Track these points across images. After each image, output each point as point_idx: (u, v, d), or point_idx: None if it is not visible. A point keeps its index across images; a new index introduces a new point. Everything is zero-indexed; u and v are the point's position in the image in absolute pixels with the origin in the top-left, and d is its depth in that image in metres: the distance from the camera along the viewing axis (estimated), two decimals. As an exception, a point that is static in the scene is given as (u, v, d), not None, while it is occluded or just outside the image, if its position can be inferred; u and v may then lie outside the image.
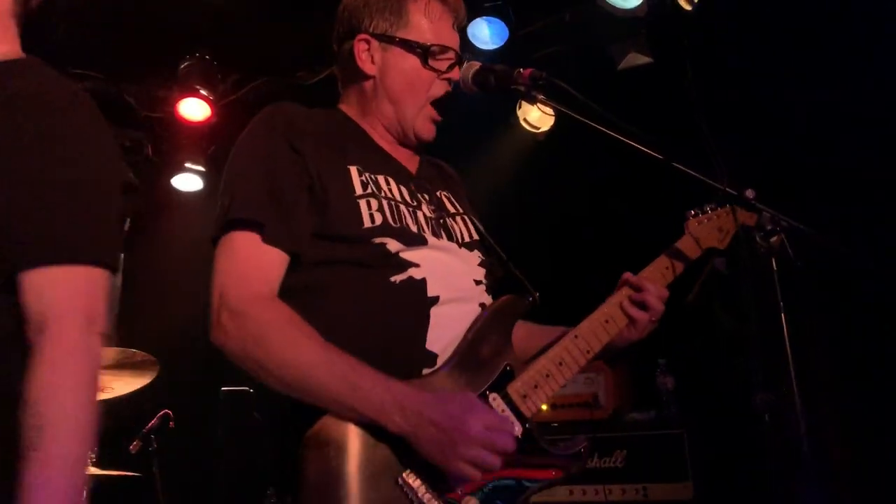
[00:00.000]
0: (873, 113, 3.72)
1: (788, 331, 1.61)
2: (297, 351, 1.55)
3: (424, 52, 1.84)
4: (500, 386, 1.69)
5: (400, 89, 1.87)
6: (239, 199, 1.68)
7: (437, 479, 1.55)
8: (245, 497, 4.46)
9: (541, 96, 1.71)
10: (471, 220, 1.96)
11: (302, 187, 1.68)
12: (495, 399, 1.67)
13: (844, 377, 3.56)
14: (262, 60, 5.28)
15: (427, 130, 1.91)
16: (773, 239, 1.66)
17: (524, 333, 1.95)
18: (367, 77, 1.90)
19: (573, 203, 4.98)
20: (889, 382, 3.54)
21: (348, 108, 1.97)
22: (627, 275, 1.91)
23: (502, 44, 4.36)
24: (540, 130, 4.94)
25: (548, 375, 1.74)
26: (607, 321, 1.84)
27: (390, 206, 1.75)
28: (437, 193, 1.95)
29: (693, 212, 2.03)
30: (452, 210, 1.94)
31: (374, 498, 1.50)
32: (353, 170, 1.76)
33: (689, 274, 3.59)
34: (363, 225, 1.69)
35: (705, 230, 2.01)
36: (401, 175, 1.87)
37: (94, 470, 3.88)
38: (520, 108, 4.94)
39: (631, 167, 4.17)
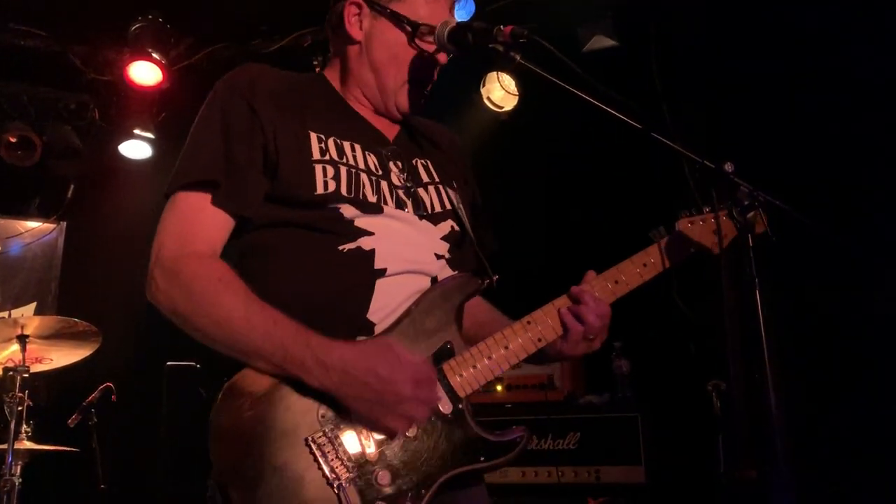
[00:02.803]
0: (831, 88, 3.76)
1: (762, 309, 1.57)
2: (220, 305, 1.53)
3: (413, 29, 1.81)
4: (436, 361, 1.65)
5: (382, 60, 1.84)
6: (190, 160, 1.68)
7: (350, 443, 1.52)
8: (188, 474, 4.33)
9: (518, 57, 1.63)
10: (446, 190, 1.89)
11: (256, 149, 1.67)
12: None
13: (809, 358, 3.61)
14: (217, 25, 5.09)
15: (409, 104, 1.87)
16: (750, 214, 1.62)
17: (486, 318, 1.93)
18: (352, 42, 1.87)
19: (537, 183, 4.95)
20: (854, 364, 3.60)
21: (331, 73, 1.94)
22: (587, 276, 1.85)
23: (468, 19, 4.29)
24: (503, 110, 4.89)
25: (490, 358, 1.70)
26: (554, 317, 1.77)
27: (349, 173, 1.72)
28: (413, 161, 1.89)
29: (687, 211, 1.90)
30: (426, 179, 1.88)
31: (279, 456, 1.47)
32: (314, 136, 1.73)
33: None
34: (316, 190, 1.66)
35: (698, 231, 1.87)
36: (372, 142, 1.83)
37: (28, 444, 3.73)
38: (483, 86, 4.88)
39: (601, 147, 4.18)
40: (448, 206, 1.86)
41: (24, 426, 3.71)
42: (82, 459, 4.09)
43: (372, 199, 1.72)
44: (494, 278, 1.79)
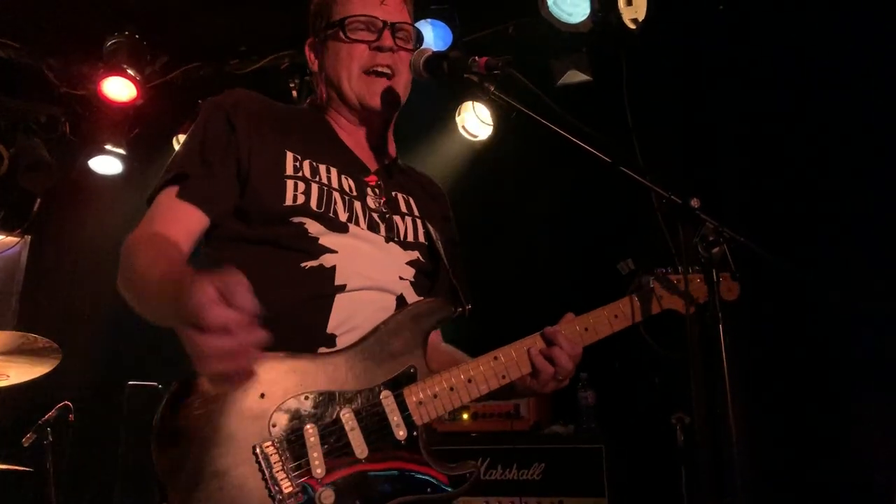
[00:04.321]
0: (805, 123, 3.85)
1: (725, 343, 1.60)
2: (148, 266, 1.53)
3: (341, 27, 1.88)
4: (397, 385, 1.64)
5: (332, 67, 1.92)
6: (170, 164, 1.76)
7: (298, 456, 1.50)
8: (147, 496, 4.24)
9: (493, 88, 1.66)
10: (424, 224, 1.93)
11: (230, 158, 1.73)
12: (387, 397, 1.62)
13: (772, 391, 3.65)
14: (194, 44, 5.10)
15: (367, 96, 1.88)
16: (715, 250, 1.65)
17: (446, 358, 1.93)
18: (316, 75, 2.00)
19: (510, 211, 4.99)
20: (818, 396, 3.64)
21: (323, 109, 2.01)
22: (566, 317, 1.86)
23: (445, 48, 4.33)
24: (478, 139, 4.94)
25: (451, 389, 1.69)
26: (522, 356, 1.78)
27: (320, 190, 1.75)
28: (394, 193, 1.93)
29: (663, 270, 1.97)
30: (404, 210, 1.92)
31: (223, 461, 1.44)
32: (290, 154, 1.78)
33: (617, 289, 3.64)
34: (284, 202, 1.70)
35: (669, 291, 1.95)
36: (351, 168, 1.87)
37: (-23, 463, 3.63)
38: (459, 115, 4.92)
39: (572, 178, 4.23)
40: (422, 240, 1.90)
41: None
42: (36, 480, 3.98)
43: (343, 216, 1.75)
44: (468, 307, 1.80)
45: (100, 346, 4.81)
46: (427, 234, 1.92)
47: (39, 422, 4.01)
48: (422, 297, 1.82)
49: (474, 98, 4.77)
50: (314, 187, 1.75)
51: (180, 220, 1.68)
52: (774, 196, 3.82)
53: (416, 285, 1.84)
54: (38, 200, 5.53)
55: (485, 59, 1.66)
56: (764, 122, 4.02)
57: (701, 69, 4.24)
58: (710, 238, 1.66)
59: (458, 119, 4.93)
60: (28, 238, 5.77)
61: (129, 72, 4.88)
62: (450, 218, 2.11)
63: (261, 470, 1.46)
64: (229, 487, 1.44)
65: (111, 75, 4.88)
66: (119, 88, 4.94)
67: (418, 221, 1.93)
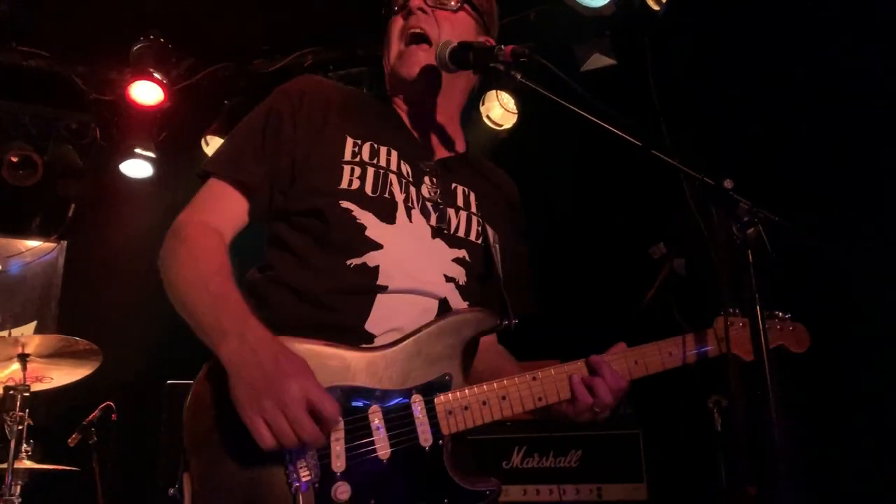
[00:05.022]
0: (830, 101, 3.78)
1: (763, 325, 1.58)
2: (193, 268, 1.59)
3: (387, 4, 1.90)
4: (429, 391, 1.61)
5: (384, 51, 1.92)
6: (222, 150, 1.81)
7: (321, 450, 1.50)
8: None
9: (520, 77, 1.65)
10: (480, 223, 1.88)
11: (286, 147, 1.74)
12: (418, 402, 1.59)
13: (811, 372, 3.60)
14: (218, 46, 5.15)
15: (400, 65, 1.87)
16: (750, 231, 1.63)
17: (498, 366, 1.88)
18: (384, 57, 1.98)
19: (536, 201, 4.96)
20: (855, 380, 3.59)
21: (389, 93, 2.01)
22: (616, 347, 1.80)
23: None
24: (503, 128, 4.92)
25: (484, 403, 1.64)
26: (562, 381, 1.72)
27: (376, 173, 1.75)
28: (453, 185, 1.89)
29: (732, 310, 1.89)
30: (461, 204, 1.87)
31: (248, 440, 1.43)
32: (350, 140, 1.78)
33: (649, 274, 3.61)
34: (339, 185, 1.71)
35: (739, 335, 1.87)
36: (411, 153, 1.85)
37: (28, 464, 3.72)
38: (483, 104, 4.91)
39: (599, 165, 4.20)
40: (474, 238, 1.84)
41: (25, 445, 3.70)
42: (82, 479, 4.07)
43: (399, 197, 1.74)
44: (514, 322, 1.75)
45: (138, 347, 4.89)
46: (483, 234, 1.86)
47: (84, 422, 4.11)
48: (467, 304, 1.78)
49: (499, 87, 4.75)
50: (370, 171, 1.74)
51: (227, 211, 1.72)
52: (807, 178, 3.76)
53: (463, 289, 1.79)
54: (73, 206, 5.65)
55: (511, 47, 1.65)
56: (793, 103, 3.95)
57: (724, 48, 4.18)
58: (745, 219, 1.63)
59: (482, 109, 4.91)
60: (64, 243, 5.89)
61: (156, 75, 4.94)
62: (517, 222, 2.03)
63: (283, 455, 1.46)
64: (250, 467, 1.46)
65: (138, 79, 4.94)
66: (147, 92, 5.00)
67: (474, 218, 1.87)
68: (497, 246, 1.87)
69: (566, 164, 4.75)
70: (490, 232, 1.87)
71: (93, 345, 3.86)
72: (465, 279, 1.80)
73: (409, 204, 1.76)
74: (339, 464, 1.50)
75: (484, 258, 1.84)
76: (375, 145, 1.79)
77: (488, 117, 4.94)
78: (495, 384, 1.66)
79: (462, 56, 1.72)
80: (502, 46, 1.66)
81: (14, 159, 5.30)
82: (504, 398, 1.66)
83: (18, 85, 5.27)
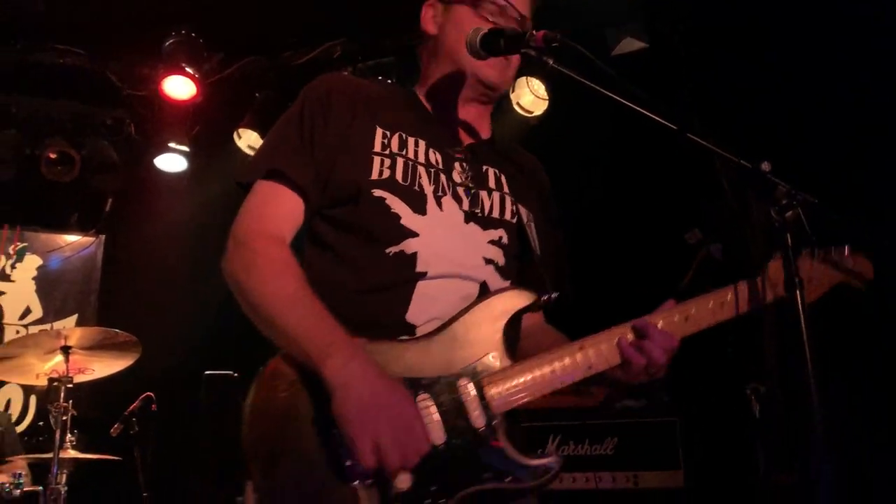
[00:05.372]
0: (868, 82, 3.70)
1: (803, 309, 1.55)
2: (274, 284, 1.59)
3: (474, 2, 1.86)
4: (476, 373, 1.60)
5: (454, 41, 1.86)
6: (266, 151, 1.82)
7: None
8: (227, 483, 4.39)
9: (552, 62, 1.63)
10: (514, 204, 1.87)
11: (324, 143, 1.75)
12: (466, 385, 1.58)
13: (850, 358, 3.54)
14: (247, 39, 5.19)
15: (491, 76, 1.86)
16: (788, 214, 1.60)
17: (542, 337, 1.86)
18: (429, 39, 1.95)
19: (568, 188, 4.93)
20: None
21: (418, 85, 1.99)
22: (665, 305, 1.75)
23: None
24: (533, 115, 4.89)
25: (533, 378, 1.62)
26: (611, 347, 1.67)
27: (405, 164, 1.76)
28: (484, 168, 1.89)
29: (810, 249, 1.78)
30: (493, 186, 1.87)
31: (305, 441, 1.47)
32: (379, 131, 1.79)
33: (684, 259, 3.56)
34: (370, 176, 1.72)
35: (821, 267, 1.79)
36: (440, 141, 1.84)
37: (73, 453, 3.81)
38: (513, 91, 4.87)
39: (631, 150, 4.16)
40: (508, 218, 1.84)
41: (69, 436, 3.78)
42: (125, 468, 4.16)
43: (428, 188, 1.74)
44: (553, 296, 1.72)
45: (176, 338, 4.97)
46: (516, 213, 1.86)
47: (125, 413, 4.19)
48: (507, 284, 1.77)
49: (530, 73, 4.71)
50: (399, 161, 1.75)
51: (285, 213, 1.72)
52: (843, 162, 3.68)
53: (502, 269, 1.79)
54: (110, 200, 5.75)
55: (542, 32, 1.63)
56: (829, 81, 3.87)
57: (757, 30, 4.10)
58: (783, 202, 1.60)
59: (511, 96, 4.88)
60: (102, 237, 6.00)
61: (188, 70, 5.00)
62: (548, 208, 2.01)
63: (340, 451, 1.47)
64: (309, 466, 1.47)
65: (171, 74, 5.01)
66: (179, 87, 5.07)
67: (507, 199, 1.86)
68: (532, 224, 1.86)
69: (598, 150, 4.71)
70: (523, 211, 1.86)
71: (132, 336, 3.93)
72: (503, 260, 1.79)
73: (440, 193, 1.75)
74: None
75: (519, 237, 1.84)
76: (404, 136, 1.80)
77: (518, 104, 4.91)
78: (543, 358, 1.64)
79: (493, 42, 1.70)
80: (533, 32, 1.64)
81: (52, 155, 5.40)
82: (553, 372, 1.63)
83: (54, 82, 5.38)
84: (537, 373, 1.63)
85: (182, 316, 5.17)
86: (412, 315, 1.65)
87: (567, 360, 1.65)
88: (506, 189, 1.88)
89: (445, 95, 1.90)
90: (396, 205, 1.71)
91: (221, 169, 5.46)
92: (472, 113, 1.93)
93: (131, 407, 4.24)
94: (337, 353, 1.49)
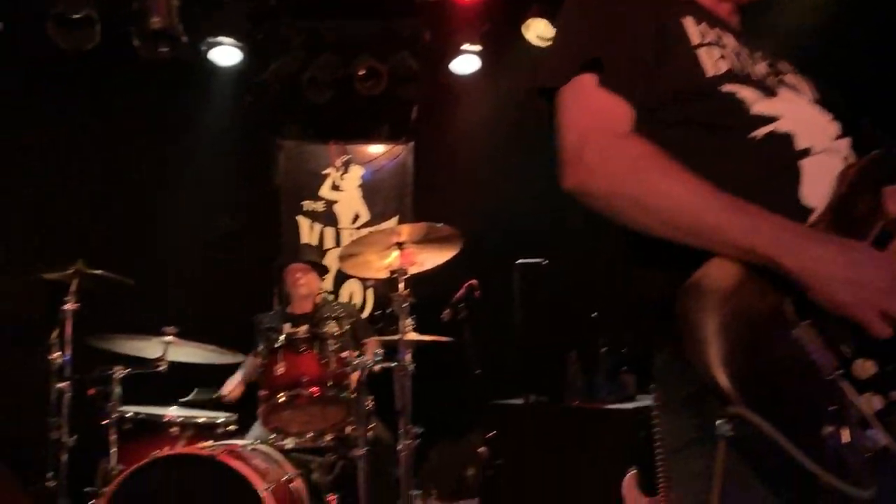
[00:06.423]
0: None
1: None
2: (673, 181, 1.39)
3: None
4: (880, 246, 1.41)
5: None
6: (569, 42, 1.59)
7: (838, 335, 1.34)
8: (543, 350, 4.71)
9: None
10: (807, 80, 1.72)
11: (637, 33, 1.53)
12: None
13: None
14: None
15: None
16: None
17: None
18: None
19: None
20: None
21: None
22: None
23: None
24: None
25: None
26: None
27: (727, 54, 1.59)
28: (763, 55, 1.72)
29: None
30: (787, 69, 1.71)
31: (767, 350, 1.32)
32: (688, 20, 1.59)
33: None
34: (706, 74, 1.53)
35: None
36: (729, 29, 1.69)
37: (413, 336, 4.29)
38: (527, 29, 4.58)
39: None
40: (817, 96, 1.70)
41: (409, 321, 4.26)
42: (455, 347, 4.61)
43: (756, 74, 1.60)
44: None
45: (487, 230, 5.31)
46: (819, 88, 1.71)
47: (453, 300, 4.61)
48: (864, 154, 1.57)
49: None
50: (728, 52, 1.58)
51: (618, 118, 1.49)
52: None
53: (851, 144, 1.62)
54: (415, 108, 6.18)
55: None
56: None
57: None
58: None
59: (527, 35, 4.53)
60: (412, 144, 6.51)
61: (474, -31, 5.10)
62: None
63: (806, 352, 1.33)
64: (779, 373, 1.33)
65: (458, -24, 5.15)
66: (465, -13, 5.20)
67: (802, 78, 1.71)
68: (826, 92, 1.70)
69: None
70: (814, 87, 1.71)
71: (454, 229, 4.25)
72: (849, 135, 1.63)
73: (770, 79, 1.60)
74: (845, 346, 1.36)
75: (835, 110, 1.66)
76: (710, 27, 1.61)
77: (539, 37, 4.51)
78: None
79: None
80: None
81: (362, 72, 5.91)
82: None
83: (357, 3, 5.84)
84: None
85: (491, 208, 5.50)
86: (806, 196, 1.48)
87: None
88: (792, 68, 1.72)
89: None
90: (745, 93, 1.54)
91: (511, 65, 5.56)
92: (727, 8, 1.77)
93: (457, 294, 4.63)
94: (792, 240, 1.33)
